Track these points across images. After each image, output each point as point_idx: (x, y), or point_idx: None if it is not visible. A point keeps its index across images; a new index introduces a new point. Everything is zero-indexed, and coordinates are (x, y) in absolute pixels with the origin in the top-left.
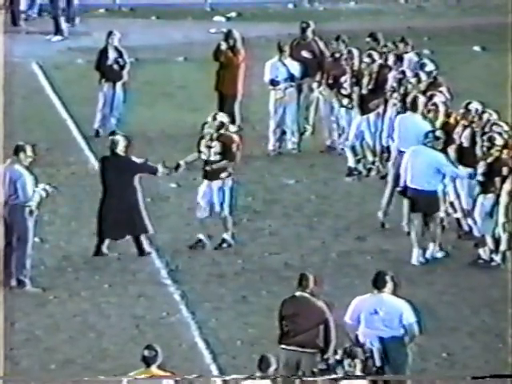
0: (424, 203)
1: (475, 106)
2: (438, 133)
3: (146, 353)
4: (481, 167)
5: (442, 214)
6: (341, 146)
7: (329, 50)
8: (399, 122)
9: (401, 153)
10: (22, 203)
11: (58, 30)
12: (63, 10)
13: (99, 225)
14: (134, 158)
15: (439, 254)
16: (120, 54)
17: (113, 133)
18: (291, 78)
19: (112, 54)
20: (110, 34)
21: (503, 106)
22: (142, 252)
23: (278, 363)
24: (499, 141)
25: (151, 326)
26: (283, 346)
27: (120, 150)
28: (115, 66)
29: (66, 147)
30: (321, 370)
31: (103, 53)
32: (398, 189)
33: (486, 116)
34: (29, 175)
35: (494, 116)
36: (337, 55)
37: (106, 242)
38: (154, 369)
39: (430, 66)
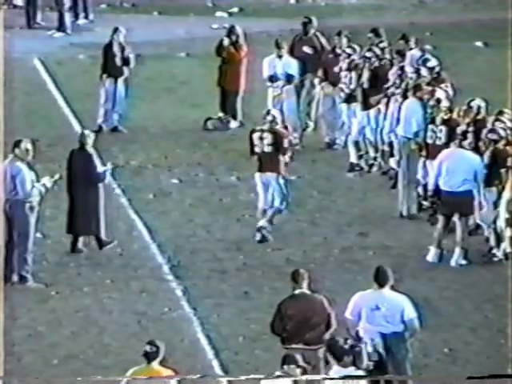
0: (458, 205)
1: (477, 102)
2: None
3: (148, 348)
4: (485, 160)
5: (476, 216)
6: (339, 142)
7: (331, 45)
8: (405, 105)
9: (405, 139)
10: (22, 199)
11: (61, 26)
12: (66, 6)
13: (69, 221)
14: (95, 160)
15: (463, 262)
16: (123, 50)
17: (115, 128)
18: (289, 75)
19: (118, 51)
20: (115, 30)
21: (505, 101)
22: (101, 245)
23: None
24: (502, 135)
25: (153, 321)
26: (287, 346)
27: (89, 145)
28: (118, 61)
29: (67, 143)
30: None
31: (108, 48)
32: (429, 191)
33: (483, 111)
34: (29, 171)
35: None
36: (338, 51)
37: (81, 238)
38: (155, 365)
39: (432, 62)
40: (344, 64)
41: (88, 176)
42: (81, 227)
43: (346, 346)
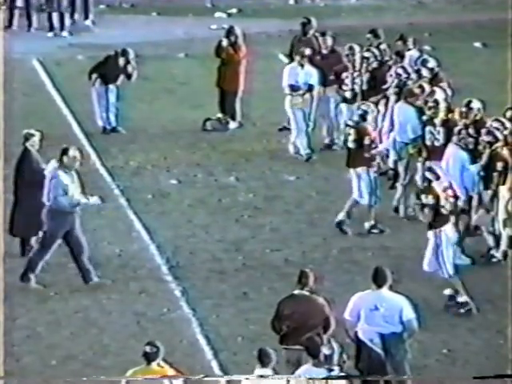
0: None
1: (476, 104)
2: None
3: (147, 349)
4: (481, 162)
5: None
6: (338, 142)
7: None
8: (397, 110)
9: (403, 144)
10: (54, 207)
11: (52, 26)
12: (64, 6)
13: (11, 222)
14: (35, 160)
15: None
16: (127, 64)
17: (114, 129)
18: (309, 84)
19: (122, 65)
20: (123, 52)
21: (504, 102)
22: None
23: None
24: (499, 137)
25: (152, 322)
26: (285, 346)
27: (30, 145)
28: (120, 73)
29: (66, 143)
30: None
31: (110, 59)
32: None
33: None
34: (70, 181)
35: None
36: (324, 51)
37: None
38: (154, 365)
39: (432, 63)
40: (344, 65)
41: (30, 176)
42: (20, 229)
43: (323, 346)
